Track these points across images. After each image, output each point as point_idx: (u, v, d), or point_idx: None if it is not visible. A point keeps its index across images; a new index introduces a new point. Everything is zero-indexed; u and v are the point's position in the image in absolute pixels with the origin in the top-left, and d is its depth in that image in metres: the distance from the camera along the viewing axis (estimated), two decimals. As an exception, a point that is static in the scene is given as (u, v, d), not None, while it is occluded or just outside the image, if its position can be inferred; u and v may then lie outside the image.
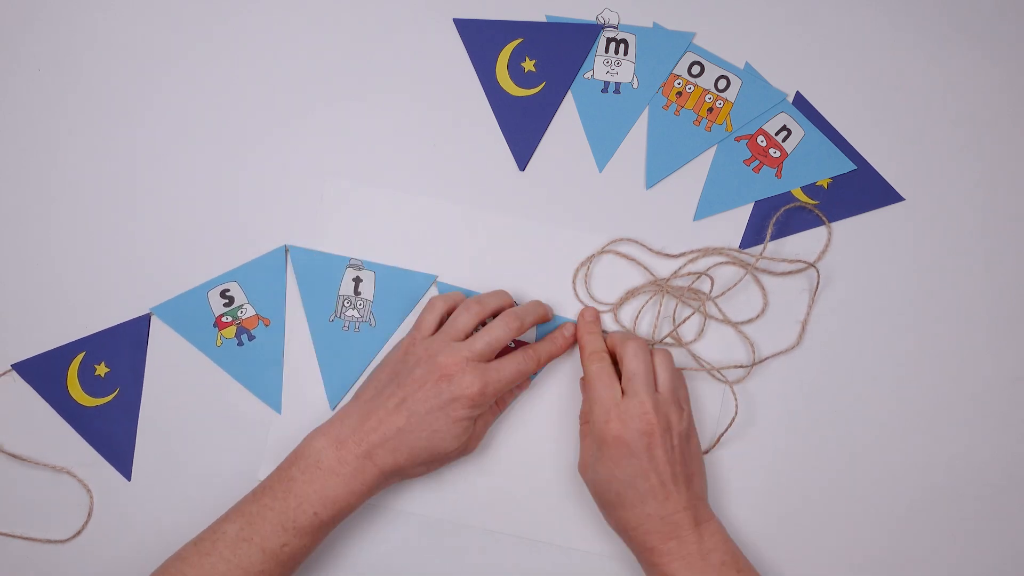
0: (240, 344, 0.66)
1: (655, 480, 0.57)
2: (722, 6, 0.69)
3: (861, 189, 0.67)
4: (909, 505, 0.65)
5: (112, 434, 0.66)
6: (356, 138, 0.68)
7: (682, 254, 0.66)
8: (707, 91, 0.68)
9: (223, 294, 0.66)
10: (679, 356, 0.66)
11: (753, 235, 0.67)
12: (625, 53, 0.68)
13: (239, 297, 0.66)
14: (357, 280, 0.66)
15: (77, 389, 0.66)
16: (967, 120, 0.68)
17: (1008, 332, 0.66)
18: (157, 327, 0.67)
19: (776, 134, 0.67)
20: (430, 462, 0.60)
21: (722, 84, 0.68)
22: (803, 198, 0.67)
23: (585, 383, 0.61)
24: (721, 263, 0.66)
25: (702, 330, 0.66)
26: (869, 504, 0.65)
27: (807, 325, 0.66)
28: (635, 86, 0.68)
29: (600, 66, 0.68)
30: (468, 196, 0.68)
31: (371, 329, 0.66)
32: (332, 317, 0.66)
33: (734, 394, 0.65)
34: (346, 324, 0.66)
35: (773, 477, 0.65)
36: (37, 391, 0.66)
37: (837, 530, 0.65)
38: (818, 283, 0.65)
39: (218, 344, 0.66)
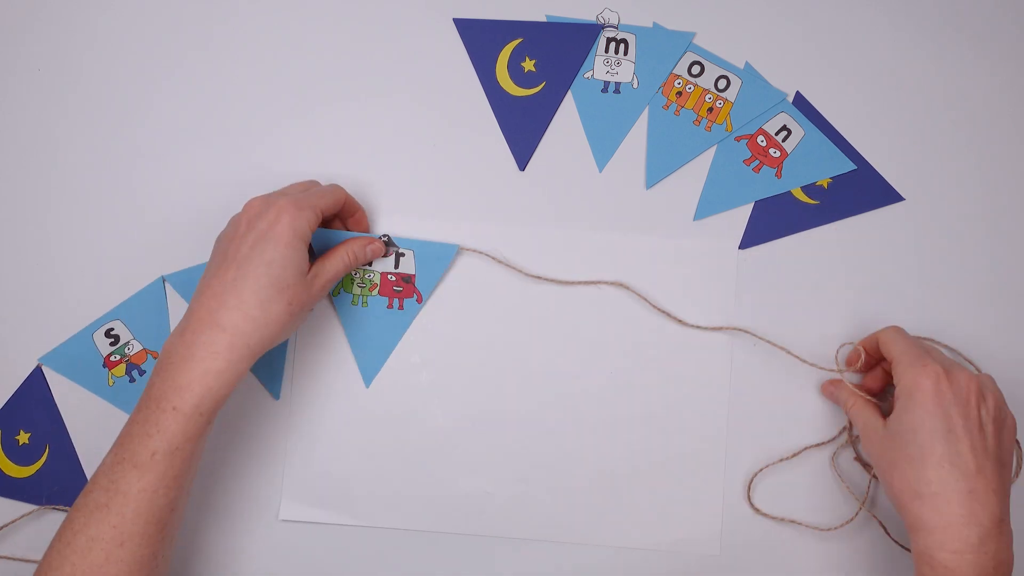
0: (132, 380, 0.65)
1: (966, 445, 0.52)
2: (722, 6, 0.69)
3: (861, 189, 0.67)
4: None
5: (60, 492, 0.65)
6: (355, 139, 0.68)
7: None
8: (707, 91, 0.68)
9: (108, 333, 0.66)
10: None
11: (753, 235, 0.67)
12: (625, 53, 0.68)
13: (124, 335, 0.66)
14: None
15: (8, 464, 0.65)
16: (967, 120, 0.68)
17: (1008, 333, 0.66)
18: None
19: (776, 134, 0.67)
20: (279, 300, 0.55)
21: (722, 84, 0.68)
22: (803, 198, 0.67)
23: (883, 337, 0.59)
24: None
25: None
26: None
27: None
28: (635, 86, 0.68)
29: (600, 66, 0.68)
30: (468, 196, 0.68)
31: None
32: None
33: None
34: None
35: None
36: None
37: None
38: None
39: (110, 384, 0.65)
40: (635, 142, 0.68)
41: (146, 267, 0.67)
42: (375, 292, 0.66)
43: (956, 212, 0.67)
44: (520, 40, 0.68)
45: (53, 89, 0.69)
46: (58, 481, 0.65)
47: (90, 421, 0.66)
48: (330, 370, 0.66)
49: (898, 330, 0.60)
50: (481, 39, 0.68)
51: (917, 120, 0.68)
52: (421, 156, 0.68)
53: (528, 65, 0.68)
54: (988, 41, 0.68)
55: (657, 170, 0.67)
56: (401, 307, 0.66)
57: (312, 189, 0.61)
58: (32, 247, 0.67)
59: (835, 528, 0.64)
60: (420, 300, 0.66)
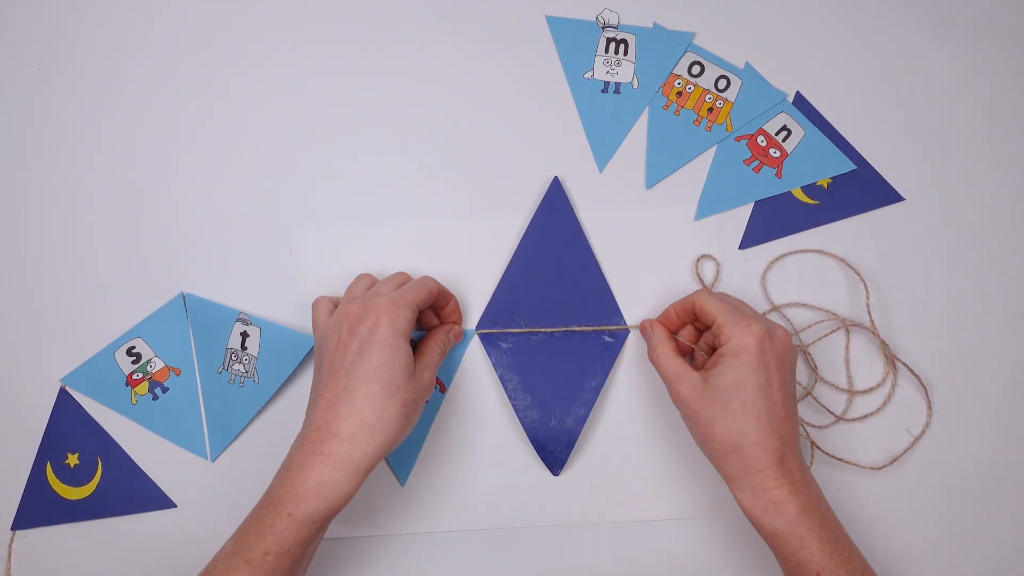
0: (155, 398, 0.65)
1: (779, 396, 0.56)
2: (722, 6, 0.69)
3: (861, 189, 0.67)
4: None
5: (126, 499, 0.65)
6: (359, 146, 0.68)
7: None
8: (707, 91, 0.68)
9: (129, 352, 0.66)
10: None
11: (753, 235, 0.67)
12: (625, 53, 0.68)
13: (146, 352, 0.66)
14: (244, 335, 0.65)
15: (66, 488, 0.65)
16: (967, 120, 0.68)
17: (1008, 333, 0.66)
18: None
19: (776, 134, 0.67)
20: (393, 402, 0.56)
21: (722, 84, 0.68)
22: (803, 198, 0.67)
23: (699, 301, 0.60)
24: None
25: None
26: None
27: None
28: (635, 86, 0.68)
29: (600, 66, 0.68)
30: (468, 196, 0.68)
31: (255, 386, 0.65)
32: (220, 369, 0.65)
33: None
34: (232, 378, 0.65)
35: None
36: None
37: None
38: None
39: (133, 402, 0.65)
40: (635, 142, 0.68)
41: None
42: None
43: (956, 212, 0.67)
44: None
45: (53, 89, 0.69)
46: (121, 489, 0.65)
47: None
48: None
49: (710, 293, 0.61)
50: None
51: (917, 120, 0.68)
52: (420, 155, 0.68)
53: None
54: (988, 41, 0.68)
55: (657, 170, 0.67)
56: None
57: (404, 284, 0.61)
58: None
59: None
60: (443, 390, 0.66)
